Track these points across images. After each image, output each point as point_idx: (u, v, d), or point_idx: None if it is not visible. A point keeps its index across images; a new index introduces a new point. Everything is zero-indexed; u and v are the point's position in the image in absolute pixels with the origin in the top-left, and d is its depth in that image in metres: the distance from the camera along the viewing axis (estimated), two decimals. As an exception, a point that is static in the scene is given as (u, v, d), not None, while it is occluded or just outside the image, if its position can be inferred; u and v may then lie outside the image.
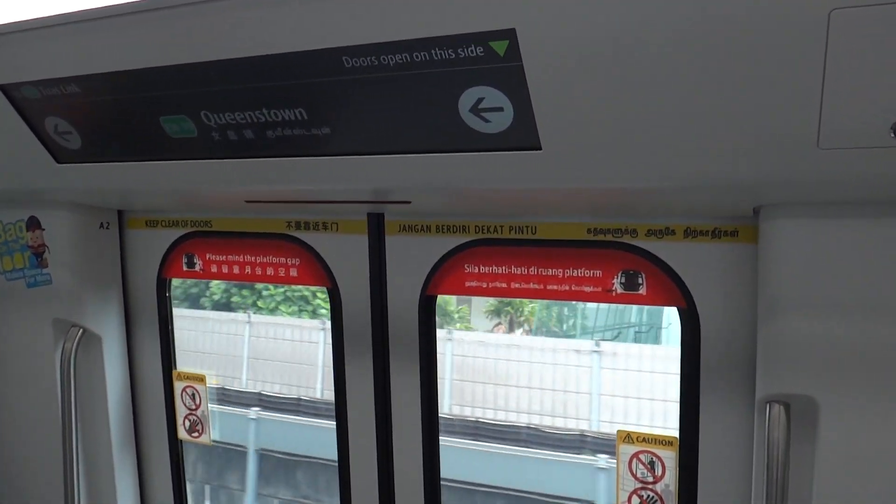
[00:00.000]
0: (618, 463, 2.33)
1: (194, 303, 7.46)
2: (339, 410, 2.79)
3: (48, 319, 3.05)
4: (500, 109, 1.78)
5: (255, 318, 7.62)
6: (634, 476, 2.32)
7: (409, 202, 2.37)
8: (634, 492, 2.32)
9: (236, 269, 2.95)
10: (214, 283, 7.26)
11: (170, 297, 3.16)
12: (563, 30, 1.56)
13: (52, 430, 3.07)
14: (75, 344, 2.97)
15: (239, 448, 6.90)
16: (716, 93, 1.56)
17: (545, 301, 7.07)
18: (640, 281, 2.26)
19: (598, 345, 6.72)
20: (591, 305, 7.88)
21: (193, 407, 3.10)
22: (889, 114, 1.47)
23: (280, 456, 6.92)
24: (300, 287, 7.00)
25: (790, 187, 1.74)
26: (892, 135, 1.48)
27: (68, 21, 1.95)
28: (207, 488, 6.53)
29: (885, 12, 1.35)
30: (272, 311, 7.78)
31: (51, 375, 3.07)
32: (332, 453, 2.87)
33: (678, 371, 2.24)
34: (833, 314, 1.84)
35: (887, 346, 1.80)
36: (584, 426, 6.45)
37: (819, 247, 1.83)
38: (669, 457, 2.27)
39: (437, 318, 2.65)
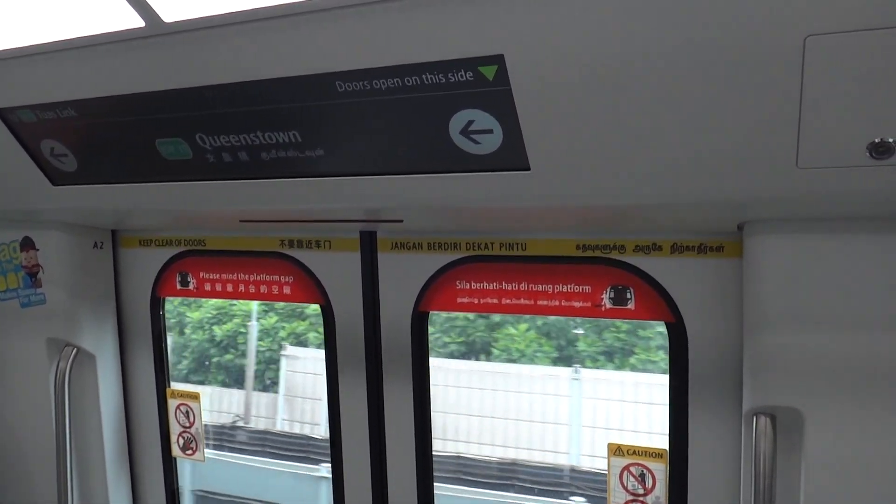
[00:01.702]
0: (609, 475, 2.36)
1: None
2: (333, 425, 2.81)
3: (42, 339, 3.05)
4: (490, 132, 1.82)
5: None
6: (626, 489, 2.35)
7: (401, 221, 2.41)
8: (626, 504, 2.36)
9: (230, 288, 2.97)
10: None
11: (163, 315, 3.17)
12: (550, 55, 1.62)
13: (46, 449, 3.07)
14: (69, 363, 2.98)
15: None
16: (698, 114, 1.61)
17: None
18: (628, 296, 2.31)
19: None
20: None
21: (187, 424, 3.11)
22: (864, 134, 1.52)
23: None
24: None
25: (772, 204, 1.80)
26: (868, 154, 1.54)
27: (65, 47, 1.98)
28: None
29: (856, 38, 1.41)
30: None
31: (45, 394, 3.07)
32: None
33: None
34: (816, 327, 1.89)
35: (869, 357, 1.85)
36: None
37: (801, 261, 1.88)
38: (660, 469, 2.30)
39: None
